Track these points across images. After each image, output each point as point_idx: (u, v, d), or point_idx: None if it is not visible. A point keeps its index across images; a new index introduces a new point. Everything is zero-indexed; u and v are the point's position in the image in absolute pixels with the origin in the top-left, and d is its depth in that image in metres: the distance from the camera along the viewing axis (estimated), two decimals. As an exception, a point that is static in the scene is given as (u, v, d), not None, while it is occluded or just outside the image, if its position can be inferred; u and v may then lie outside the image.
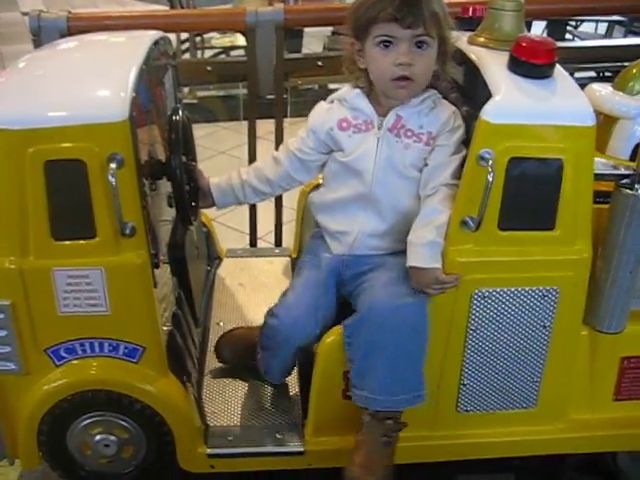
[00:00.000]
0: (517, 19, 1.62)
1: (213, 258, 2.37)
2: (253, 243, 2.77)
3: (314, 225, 1.87)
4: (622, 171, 1.62)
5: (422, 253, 1.52)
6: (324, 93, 1.76)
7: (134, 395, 1.61)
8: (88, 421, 1.65)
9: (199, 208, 1.94)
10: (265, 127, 2.67)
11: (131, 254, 1.48)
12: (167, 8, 5.04)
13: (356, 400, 1.59)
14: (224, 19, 2.61)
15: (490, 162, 1.44)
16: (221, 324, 2.08)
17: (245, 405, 1.82)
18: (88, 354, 1.57)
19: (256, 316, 2.11)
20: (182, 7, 5.06)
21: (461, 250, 1.54)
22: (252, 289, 2.25)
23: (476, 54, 1.62)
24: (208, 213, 2.32)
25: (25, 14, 2.22)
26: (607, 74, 4.16)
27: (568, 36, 5.89)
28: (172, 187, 1.74)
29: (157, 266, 1.55)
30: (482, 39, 1.65)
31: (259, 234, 2.79)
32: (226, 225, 3.15)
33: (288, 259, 2.38)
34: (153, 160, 1.66)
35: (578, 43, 4.97)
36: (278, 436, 1.73)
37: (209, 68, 2.71)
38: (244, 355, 1.85)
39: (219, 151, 4.28)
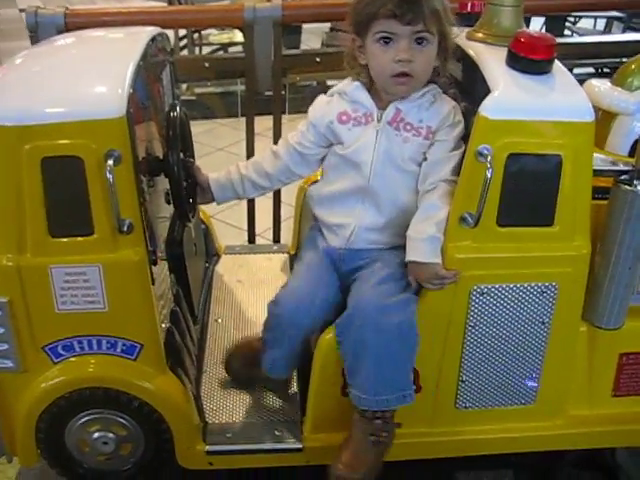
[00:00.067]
0: (516, 15, 1.61)
1: (211, 255, 2.37)
2: (251, 240, 2.77)
3: (312, 221, 1.86)
4: (621, 167, 1.62)
5: (422, 248, 1.52)
6: (322, 89, 1.75)
7: (132, 392, 1.61)
8: (86, 418, 1.65)
9: (198, 204, 1.93)
10: (263, 123, 2.66)
11: (129, 251, 1.48)
12: (165, 4, 5.03)
13: (350, 398, 1.59)
14: (222, 15, 2.61)
15: (489, 158, 1.44)
16: (219, 321, 2.08)
17: (243, 402, 1.82)
18: (86, 351, 1.57)
19: (255, 313, 2.12)
20: (180, 3, 5.06)
21: (460, 246, 1.54)
22: (250, 286, 2.25)
23: (474, 50, 1.61)
24: (206, 210, 2.32)
25: (23, 10, 2.20)
26: (606, 70, 4.16)
27: (567, 32, 5.89)
28: (170, 184, 1.73)
29: (155, 263, 1.55)
30: (480, 35, 1.65)
31: (257, 231, 2.78)
32: (224, 222, 3.15)
33: (286, 255, 2.38)
34: (151, 157, 1.66)
35: (577, 39, 4.98)
36: (277, 433, 1.73)
37: (207, 64, 2.71)
38: (253, 364, 1.80)
39: (217, 148, 4.28)
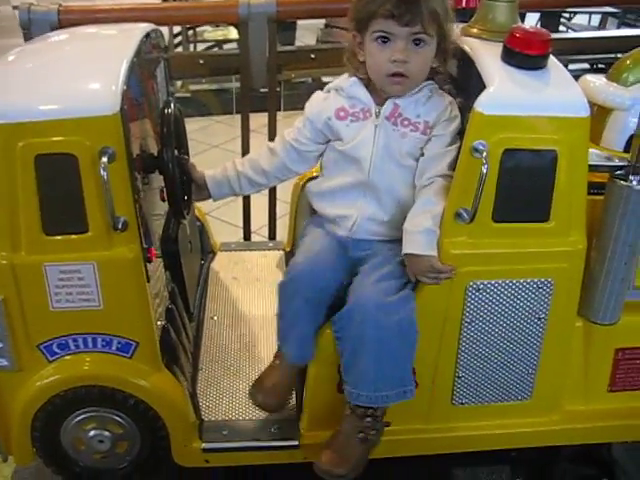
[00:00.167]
0: (511, 10, 1.61)
1: (207, 252, 2.37)
2: (247, 237, 2.77)
3: (309, 216, 1.86)
4: (616, 162, 1.62)
5: (418, 240, 1.52)
6: (318, 86, 1.75)
7: (128, 390, 1.60)
8: (82, 417, 1.64)
9: (195, 201, 1.93)
10: (258, 120, 2.66)
11: (123, 249, 1.47)
12: (159, 1, 5.01)
13: (345, 394, 1.59)
14: (216, 12, 2.60)
15: (484, 154, 1.44)
16: (215, 318, 2.08)
17: (240, 399, 1.81)
18: (81, 349, 1.57)
19: (250, 310, 2.11)
20: (174, 0, 5.04)
21: (455, 242, 1.54)
22: (246, 283, 2.25)
23: (470, 45, 1.61)
24: (202, 207, 2.31)
25: (16, 7, 2.19)
26: (601, 66, 4.16)
27: (562, 28, 5.89)
28: (164, 181, 1.73)
29: (150, 260, 1.55)
30: (475, 30, 1.64)
31: (253, 228, 2.78)
32: (220, 219, 3.14)
33: (282, 252, 2.37)
34: (145, 154, 1.65)
35: (572, 35, 4.98)
36: (273, 430, 1.73)
37: (202, 61, 2.70)
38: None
39: (212, 145, 4.28)
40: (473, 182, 1.46)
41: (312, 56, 2.63)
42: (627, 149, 1.74)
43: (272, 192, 2.65)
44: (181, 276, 1.89)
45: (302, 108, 1.75)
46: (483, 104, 1.45)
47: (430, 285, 1.55)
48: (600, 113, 1.84)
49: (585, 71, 3.56)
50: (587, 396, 1.79)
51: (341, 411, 1.63)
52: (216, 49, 5.54)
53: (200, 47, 5.63)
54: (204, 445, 1.70)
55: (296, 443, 1.71)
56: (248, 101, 2.56)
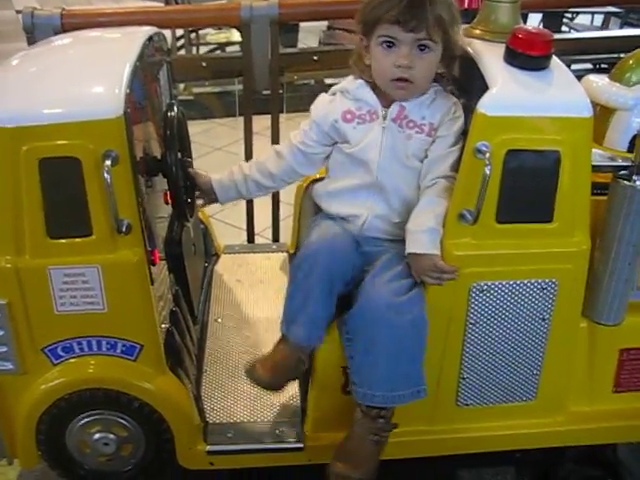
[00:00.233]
0: (513, 11, 1.61)
1: (210, 254, 2.37)
2: (250, 239, 2.77)
3: (313, 216, 1.85)
4: (620, 162, 1.62)
5: (421, 239, 1.53)
6: (320, 88, 1.75)
7: (132, 393, 1.60)
8: (86, 420, 1.65)
9: (202, 206, 1.93)
10: (261, 123, 2.66)
11: (127, 252, 1.48)
12: (162, 4, 5.02)
13: (355, 396, 1.58)
14: (218, 14, 2.60)
15: (487, 155, 1.44)
16: (219, 321, 2.08)
17: (244, 401, 1.81)
18: (86, 352, 1.57)
19: (254, 312, 2.11)
20: (177, 3, 5.05)
21: (459, 243, 1.54)
22: (250, 285, 2.25)
23: (472, 46, 1.61)
24: (205, 209, 2.31)
25: (19, 12, 2.20)
26: (603, 66, 4.16)
27: (564, 28, 5.88)
28: (168, 184, 1.73)
29: (154, 263, 1.55)
30: (478, 31, 1.64)
31: (256, 230, 2.78)
32: (223, 221, 3.14)
33: (286, 255, 2.37)
34: (148, 157, 1.65)
35: (574, 35, 4.97)
36: (277, 432, 1.73)
37: (204, 64, 2.70)
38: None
39: (215, 147, 4.28)
40: (476, 183, 1.45)
41: (315, 58, 2.63)
42: (630, 149, 1.74)
43: (275, 194, 2.65)
44: (185, 279, 1.90)
45: (305, 110, 1.76)
46: (486, 105, 1.45)
47: (434, 286, 1.55)
48: (603, 113, 1.84)
49: (588, 71, 3.55)
50: (592, 397, 1.78)
51: (346, 413, 1.62)
52: (219, 52, 5.54)
53: (203, 50, 5.63)
54: (209, 447, 1.70)
55: (301, 445, 1.71)
56: (251, 103, 2.56)
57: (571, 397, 1.76)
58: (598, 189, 1.60)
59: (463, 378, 1.68)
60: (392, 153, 1.63)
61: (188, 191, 1.82)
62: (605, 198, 1.61)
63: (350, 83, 1.70)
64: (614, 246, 1.60)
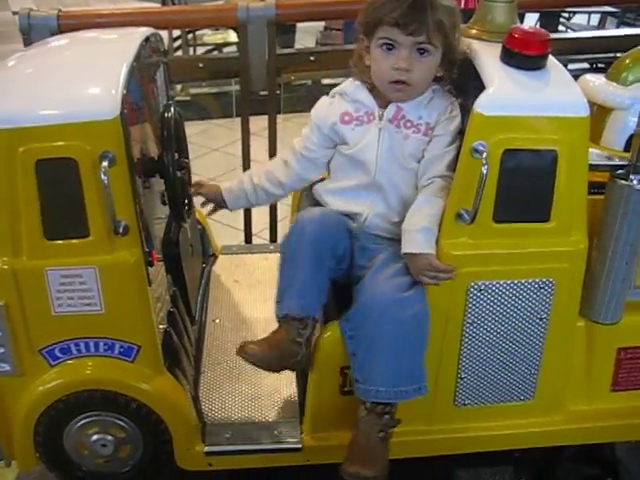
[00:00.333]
0: (510, 10, 1.61)
1: (208, 255, 2.37)
2: (248, 240, 2.77)
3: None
4: (617, 162, 1.62)
5: (416, 239, 1.53)
6: (317, 88, 1.75)
7: (130, 394, 1.60)
8: (84, 421, 1.64)
9: (211, 214, 1.97)
10: (258, 123, 2.66)
11: (125, 253, 1.47)
12: (159, 5, 5.02)
13: (358, 394, 1.58)
14: (215, 15, 2.61)
15: (484, 154, 1.44)
16: (217, 321, 2.08)
17: (242, 402, 1.81)
18: (83, 354, 1.57)
19: (252, 312, 2.11)
20: (173, 4, 5.05)
21: (456, 243, 1.54)
22: (247, 286, 2.24)
23: (469, 46, 1.61)
24: (203, 210, 2.31)
25: (16, 13, 2.20)
26: (600, 65, 4.16)
27: (561, 28, 5.90)
28: (165, 184, 1.73)
29: (151, 264, 1.55)
30: (475, 31, 1.65)
31: (254, 230, 2.78)
32: (221, 222, 3.12)
33: (283, 255, 2.37)
34: (145, 157, 1.65)
35: (571, 34, 4.99)
36: (276, 433, 1.73)
37: (201, 65, 2.70)
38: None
39: (212, 148, 4.28)
40: (473, 183, 1.46)
41: (311, 58, 2.63)
42: (627, 148, 1.74)
43: (273, 195, 2.65)
44: (182, 279, 1.89)
45: (302, 110, 1.76)
46: (483, 105, 1.45)
47: (431, 286, 1.55)
48: (600, 113, 1.84)
49: (585, 71, 3.56)
50: (590, 396, 1.79)
51: (344, 413, 1.63)
52: (216, 52, 5.55)
53: (200, 50, 5.63)
54: (207, 448, 1.70)
55: (299, 446, 1.71)
56: (248, 104, 2.56)
57: (569, 396, 1.77)
58: (595, 188, 1.60)
59: (461, 378, 1.68)
60: (389, 153, 1.64)
61: (185, 192, 1.82)
62: (602, 197, 1.61)
63: (348, 85, 1.71)
64: (611, 245, 1.60)
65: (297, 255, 1.62)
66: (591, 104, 1.58)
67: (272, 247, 2.48)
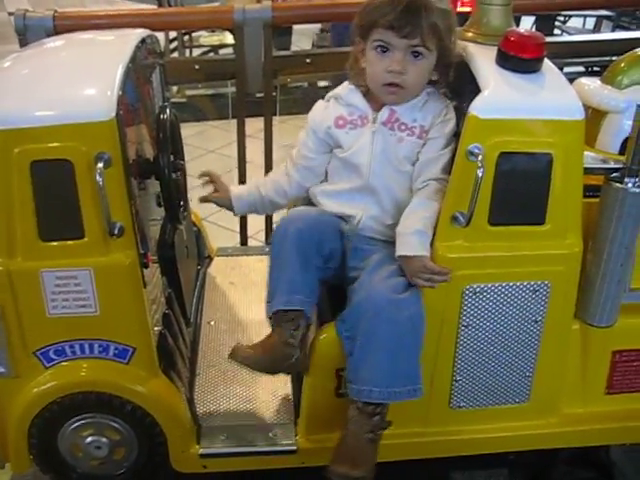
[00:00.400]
0: (505, 13, 1.62)
1: (203, 257, 2.37)
2: (243, 242, 2.76)
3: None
4: (612, 165, 1.62)
5: (410, 242, 1.53)
6: (313, 91, 1.75)
7: (125, 396, 1.60)
8: (79, 423, 1.64)
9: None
10: (254, 125, 2.66)
11: (120, 254, 1.47)
12: (155, 7, 5.02)
13: (351, 393, 1.57)
14: (211, 17, 2.60)
15: (479, 157, 1.44)
16: (212, 323, 2.08)
17: (237, 404, 1.81)
18: (78, 355, 1.56)
19: (247, 314, 2.11)
20: (170, 5, 5.05)
21: (451, 246, 1.54)
22: (243, 287, 2.24)
23: (464, 49, 1.61)
24: (198, 212, 2.31)
25: (11, 14, 2.20)
26: (595, 68, 4.17)
27: (557, 31, 5.91)
28: (160, 186, 1.73)
29: (146, 266, 1.54)
30: (470, 34, 1.65)
31: (249, 232, 2.78)
32: (216, 224, 3.14)
33: (279, 257, 2.37)
34: (141, 159, 1.65)
35: (566, 38, 5.00)
36: (271, 435, 1.73)
37: (197, 67, 2.71)
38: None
39: (208, 150, 4.28)
40: (469, 186, 1.46)
41: (308, 61, 2.63)
42: (622, 151, 1.75)
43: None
44: (178, 281, 1.89)
45: (298, 113, 1.77)
46: (478, 108, 1.45)
47: (426, 288, 1.55)
48: (595, 116, 1.84)
49: (580, 74, 3.57)
50: (585, 399, 1.79)
51: (339, 415, 1.62)
52: (212, 54, 5.54)
53: (196, 52, 5.63)
54: (202, 451, 1.69)
55: (294, 448, 1.71)
56: (244, 106, 2.56)
57: (564, 399, 1.77)
58: (590, 191, 1.61)
59: (456, 380, 1.68)
60: (383, 156, 1.64)
61: (180, 193, 1.82)
62: (597, 200, 1.62)
63: (343, 89, 1.71)
64: (606, 248, 1.61)
65: (282, 255, 1.63)
66: (586, 107, 1.58)
67: (267, 249, 2.46)
